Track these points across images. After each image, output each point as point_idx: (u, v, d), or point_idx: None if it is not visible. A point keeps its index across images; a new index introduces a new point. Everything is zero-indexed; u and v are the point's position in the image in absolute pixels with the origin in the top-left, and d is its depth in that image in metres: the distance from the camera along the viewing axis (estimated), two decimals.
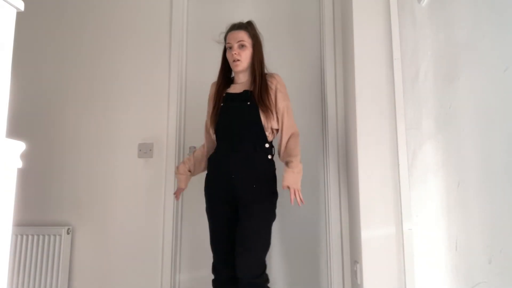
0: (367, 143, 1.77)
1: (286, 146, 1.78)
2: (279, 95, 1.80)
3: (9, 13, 0.74)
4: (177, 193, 1.99)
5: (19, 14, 0.77)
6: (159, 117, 2.36)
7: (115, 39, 2.49)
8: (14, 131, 1.46)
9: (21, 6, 0.76)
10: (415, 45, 1.53)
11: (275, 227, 2.23)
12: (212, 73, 1.93)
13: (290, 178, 1.67)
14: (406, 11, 1.66)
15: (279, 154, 1.83)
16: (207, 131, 1.93)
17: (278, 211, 2.19)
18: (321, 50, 2.38)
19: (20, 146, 0.74)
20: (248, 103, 1.76)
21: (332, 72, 2.29)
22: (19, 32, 1.27)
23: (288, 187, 1.67)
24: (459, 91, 1.09)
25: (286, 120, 1.80)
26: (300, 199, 1.67)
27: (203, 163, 1.94)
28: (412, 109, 1.60)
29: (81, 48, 2.51)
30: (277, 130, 1.82)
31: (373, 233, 1.70)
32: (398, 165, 1.70)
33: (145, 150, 2.33)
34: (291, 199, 1.66)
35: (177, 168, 1.98)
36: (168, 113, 2.34)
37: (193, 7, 2.52)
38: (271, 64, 2.32)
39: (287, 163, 1.73)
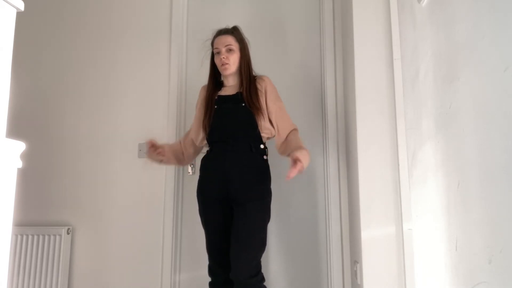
0: (367, 143, 1.77)
1: (287, 140, 1.81)
2: (269, 97, 1.82)
3: (9, 13, 0.74)
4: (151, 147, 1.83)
5: (19, 14, 0.77)
6: (159, 117, 2.36)
7: (115, 39, 2.49)
8: (14, 131, 1.46)
9: (21, 6, 0.76)
10: (415, 45, 1.53)
11: (275, 227, 2.24)
12: None
13: (304, 156, 1.62)
14: (406, 11, 1.66)
15: (278, 150, 1.84)
16: (193, 135, 1.90)
17: (278, 211, 2.20)
18: (321, 50, 2.38)
19: (20, 146, 0.74)
20: (243, 104, 1.78)
21: (332, 72, 2.29)
22: (19, 32, 1.27)
23: (299, 160, 1.59)
24: (459, 91, 1.09)
25: (281, 122, 1.82)
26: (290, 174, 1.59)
27: (176, 158, 1.92)
28: (412, 109, 1.60)
29: (81, 48, 2.51)
30: (271, 132, 1.83)
31: (373, 233, 1.70)
32: (398, 165, 1.70)
33: (145, 150, 2.32)
34: (293, 171, 1.58)
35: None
36: (168, 113, 2.35)
37: (193, 7, 2.52)
38: (271, 64, 2.33)
39: (297, 149, 1.68)
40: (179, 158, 1.94)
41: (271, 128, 1.81)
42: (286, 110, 1.87)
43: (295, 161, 1.60)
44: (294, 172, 1.58)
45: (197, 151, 1.97)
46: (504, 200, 0.84)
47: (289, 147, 1.77)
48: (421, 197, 1.48)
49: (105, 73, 2.47)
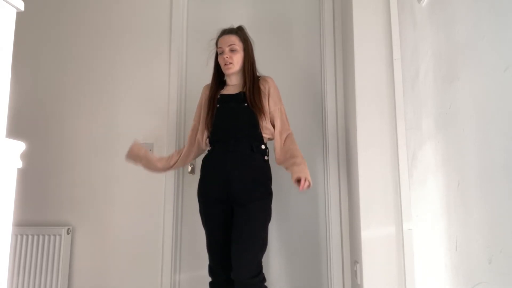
0: (367, 143, 1.77)
1: (283, 148, 1.79)
2: (271, 99, 1.82)
3: (9, 13, 0.74)
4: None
5: (19, 14, 0.77)
6: (159, 117, 2.36)
7: (115, 39, 2.49)
8: (14, 131, 1.46)
9: (21, 6, 0.76)
10: (415, 45, 1.53)
11: (275, 227, 2.24)
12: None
13: (302, 171, 1.66)
14: (406, 11, 1.66)
15: (277, 157, 1.82)
16: (193, 134, 1.91)
17: (278, 211, 2.20)
18: (321, 50, 2.38)
19: (20, 146, 0.74)
20: (245, 104, 1.78)
21: (332, 72, 2.29)
22: (19, 32, 1.27)
23: (300, 179, 1.64)
24: (459, 91, 1.09)
25: (279, 123, 1.81)
26: (309, 183, 1.64)
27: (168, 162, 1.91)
28: (412, 109, 1.60)
29: (81, 48, 2.51)
30: (272, 132, 1.82)
31: (373, 233, 1.70)
32: (398, 165, 1.70)
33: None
34: (301, 187, 1.62)
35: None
36: (168, 113, 2.34)
37: (193, 7, 2.52)
38: (271, 64, 2.33)
39: (292, 161, 1.72)
40: (161, 165, 1.91)
41: (272, 129, 1.81)
42: (286, 113, 1.87)
43: (298, 181, 1.64)
44: (303, 188, 1.63)
45: (199, 153, 1.96)
46: (504, 200, 0.84)
47: (285, 159, 1.76)
48: (421, 197, 1.48)
49: (105, 73, 2.46)
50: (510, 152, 0.82)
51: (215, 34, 1.91)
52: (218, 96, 1.85)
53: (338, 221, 2.16)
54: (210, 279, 1.79)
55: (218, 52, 1.86)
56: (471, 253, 1.02)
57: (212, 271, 1.78)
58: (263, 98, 1.80)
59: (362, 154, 1.77)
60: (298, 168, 1.67)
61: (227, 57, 1.81)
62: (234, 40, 1.83)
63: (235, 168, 1.72)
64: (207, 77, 1.95)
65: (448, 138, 1.17)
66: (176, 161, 1.90)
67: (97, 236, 2.30)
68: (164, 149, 2.31)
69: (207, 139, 1.85)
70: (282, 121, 1.83)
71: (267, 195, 1.76)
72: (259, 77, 1.88)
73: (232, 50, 1.81)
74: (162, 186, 2.29)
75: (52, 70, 2.52)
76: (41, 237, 2.22)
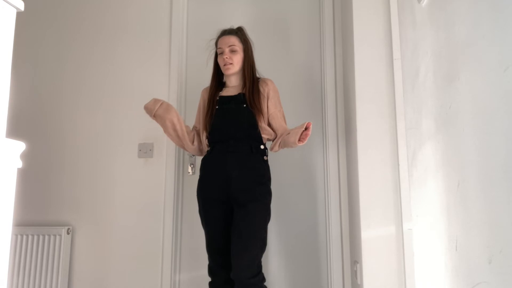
0: (367, 143, 1.77)
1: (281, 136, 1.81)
2: (270, 102, 1.82)
3: (9, 13, 0.74)
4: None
5: (19, 14, 0.77)
6: None
7: (116, 39, 2.49)
8: (14, 131, 1.46)
9: (21, 6, 0.76)
10: (415, 45, 1.53)
11: (275, 227, 2.24)
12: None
13: (298, 129, 1.66)
14: (406, 11, 1.66)
15: (270, 146, 1.85)
16: (203, 138, 1.89)
17: (278, 211, 2.20)
18: (321, 50, 2.38)
19: (20, 146, 0.74)
20: (245, 105, 1.78)
21: (332, 72, 2.29)
22: (19, 32, 1.27)
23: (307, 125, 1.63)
24: (459, 91, 1.09)
25: (278, 126, 1.82)
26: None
27: (182, 137, 1.85)
28: (412, 109, 1.60)
29: (81, 48, 2.51)
30: (271, 133, 1.84)
31: (373, 233, 1.70)
32: (398, 165, 1.70)
33: (145, 150, 2.33)
34: (306, 133, 1.62)
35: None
36: None
37: (193, 7, 2.52)
38: (271, 64, 2.33)
39: (286, 132, 1.75)
40: (182, 135, 1.83)
41: (271, 131, 1.82)
42: (285, 116, 1.87)
43: (307, 127, 1.62)
44: (307, 135, 1.62)
45: (201, 154, 1.95)
46: (504, 200, 0.84)
47: (279, 139, 1.79)
48: (421, 197, 1.48)
49: (105, 73, 2.47)
50: (510, 152, 0.82)
51: (215, 34, 1.92)
52: (217, 98, 1.85)
53: (338, 221, 2.16)
54: (210, 279, 1.79)
55: (218, 53, 1.87)
56: (471, 253, 1.02)
57: (212, 271, 1.78)
58: (262, 100, 1.81)
59: (362, 154, 1.77)
60: (294, 130, 1.67)
61: (227, 57, 1.81)
62: (234, 41, 1.83)
63: (235, 168, 1.72)
64: (207, 77, 1.95)
65: (448, 138, 1.17)
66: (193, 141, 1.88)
67: (97, 236, 2.30)
68: (164, 149, 2.32)
69: (207, 140, 1.85)
70: (281, 123, 1.84)
71: (267, 195, 1.76)
72: (258, 78, 1.88)
73: (232, 51, 1.82)
74: (162, 186, 2.29)
75: (52, 70, 2.52)
76: (41, 237, 2.22)
